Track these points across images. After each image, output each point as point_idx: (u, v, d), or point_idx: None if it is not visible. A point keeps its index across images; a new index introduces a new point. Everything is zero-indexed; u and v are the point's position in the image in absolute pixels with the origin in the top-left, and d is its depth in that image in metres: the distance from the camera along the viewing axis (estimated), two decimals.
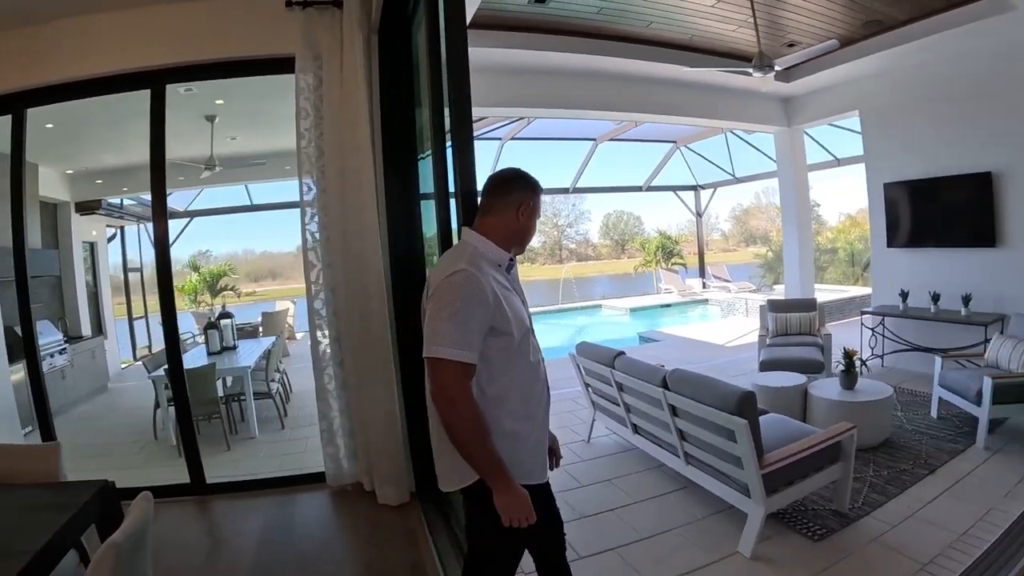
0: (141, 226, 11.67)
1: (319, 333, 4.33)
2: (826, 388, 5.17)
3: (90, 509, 2.47)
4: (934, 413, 5.51)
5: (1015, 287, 6.19)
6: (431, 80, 3.04)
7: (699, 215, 17.57)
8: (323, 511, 4.28)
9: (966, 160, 6.60)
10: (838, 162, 12.18)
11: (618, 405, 4.75)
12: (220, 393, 5.94)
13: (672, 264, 19.06)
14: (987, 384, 4.66)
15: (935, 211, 7.07)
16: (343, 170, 4.10)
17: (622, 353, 4.70)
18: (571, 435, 5.48)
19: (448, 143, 2.78)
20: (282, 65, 4.18)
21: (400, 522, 3.97)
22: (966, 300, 6.37)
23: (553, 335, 12.61)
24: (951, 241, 6.89)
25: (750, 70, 5.82)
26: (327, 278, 4.28)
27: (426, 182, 4.01)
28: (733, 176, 15.11)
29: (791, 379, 5.44)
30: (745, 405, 3.28)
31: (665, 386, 3.97)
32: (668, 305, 15.98)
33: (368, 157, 4.05)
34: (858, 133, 8.61)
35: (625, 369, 4.48)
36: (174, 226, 12.01)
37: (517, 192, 2.07)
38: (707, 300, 15.67)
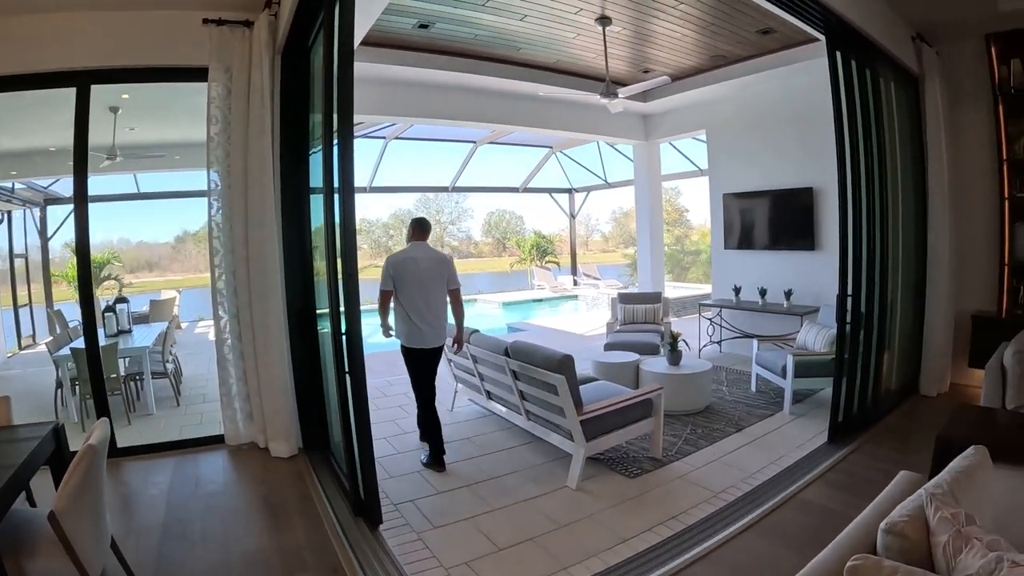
0: (27, 211, 11.33)
1: (220, 309, 4.85)
2: (655, 364, 5.92)
3: (46, 443, 2.89)
4: (753, 388, 6.30)
5: (828, 284, 6.82)
6: (325, 94, 3.66)
7: (573, 216, 18.08)
8: (223, 463, 4.80)
9: (793, 176, 7.43)
10: (701, 172, 13.42)
11: (474, 376, 5.33)
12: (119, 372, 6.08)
13: (546, 262, 19.59)
14: (789, 361, 5.46)
15: (766, 218, 7.87)
16: (246, 170, 4.66)
17: (476, 331, 5.24)
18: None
19: (335, 150, 3.46)
20: (196, 74, 4.66)
21: (291, 468, 4.63)
22: (788, 294, 7.13)
23: None
24: (779, 244, 7.71)
25: (597, 95, 6.57)
26: (228, 262, 4.81)
27: (315, 176, 4.68)
28: (605, 181, 15.71)
29: (626, 357, 6.22)
30: (563, 364, 4.05)
31: (507, 355, 4.62)
32: (540, 300, 16.70)
33: (268, 160, 4.63)
34: None
35: (478, 343, 5.05)
36: (61, 212, 11.76)
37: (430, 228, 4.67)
38: (576, 296, 16.28)
